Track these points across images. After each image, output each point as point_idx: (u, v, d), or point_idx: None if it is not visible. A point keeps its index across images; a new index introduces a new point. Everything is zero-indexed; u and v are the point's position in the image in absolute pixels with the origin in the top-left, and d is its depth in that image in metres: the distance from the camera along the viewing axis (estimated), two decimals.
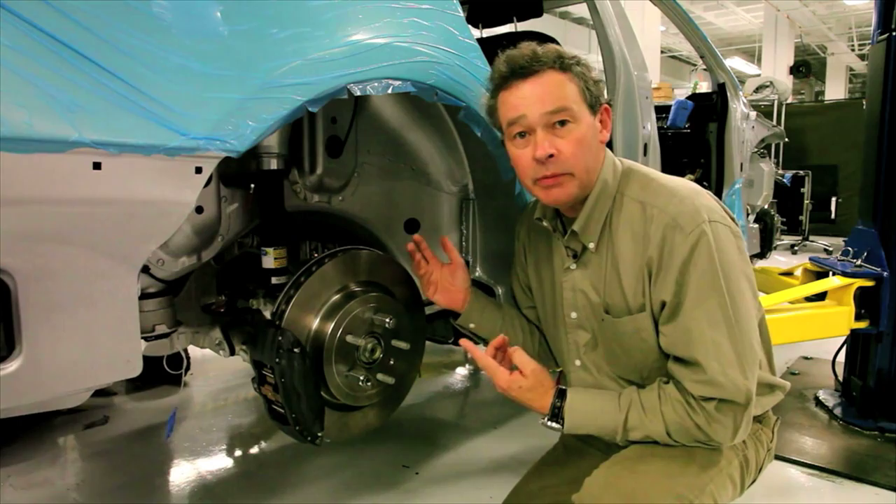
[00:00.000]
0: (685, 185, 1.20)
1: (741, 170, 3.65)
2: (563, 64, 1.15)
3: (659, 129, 2.85)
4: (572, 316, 1.30)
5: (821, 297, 2.56)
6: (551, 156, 1.13)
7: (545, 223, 1.32)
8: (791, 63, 14.42)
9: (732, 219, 1.18)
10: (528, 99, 1.14)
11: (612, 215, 1.21)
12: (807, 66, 14.50)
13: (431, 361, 3.22)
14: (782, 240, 7.22)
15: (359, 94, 1.17)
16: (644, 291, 1.17)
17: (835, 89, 17.41)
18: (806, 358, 3.27)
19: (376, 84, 1.20)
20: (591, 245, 1.23)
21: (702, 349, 1.09)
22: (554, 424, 1.18)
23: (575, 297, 1.29)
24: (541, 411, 1.20)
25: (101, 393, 2.63)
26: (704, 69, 3.77)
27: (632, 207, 1.19)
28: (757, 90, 8.66)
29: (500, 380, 1.20)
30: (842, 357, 2.67)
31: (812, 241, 7.73)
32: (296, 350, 1.29)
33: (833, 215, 7.82)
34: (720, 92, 3.56)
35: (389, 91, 1.23)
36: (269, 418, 1.40)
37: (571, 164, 1.15)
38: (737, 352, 1.09)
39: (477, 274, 1.87)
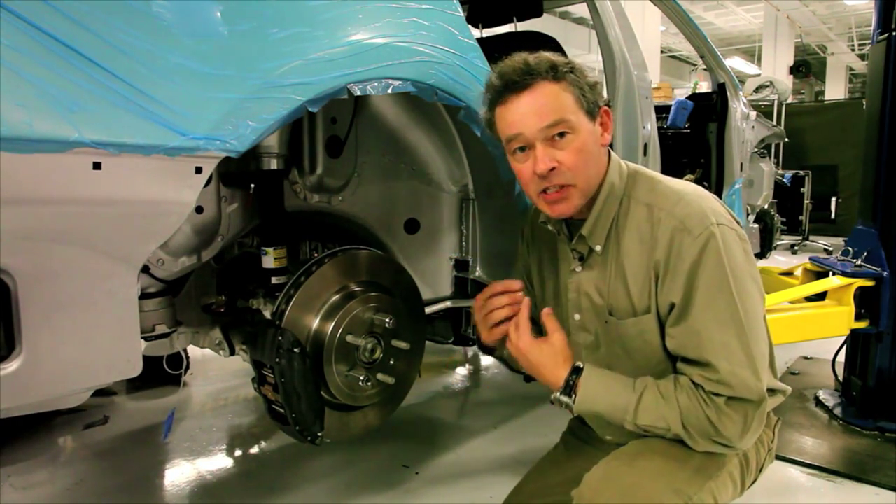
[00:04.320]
0: (691, 188, 1.20)
1: (741, 170, 3.65)
2: (557, 74, 1.13)
3: (659, 129, 2.85)
4: (575, 318, 1.30)
5: (821, 297, 2.56)
6: (552, 169, 1.13)
7: (550, 227, 1.31)
8: (791, 63, 14.41)
9: (737, 222, 1.18)
10: (525, 115, 1.13)
11: (618, 218, 1.21)
12: (807, 66, 14.47)
13: (431, 361, 3.22)
14: (782, 240, 7.21)
15: (359, 94, 1.17)
16: (650, 293, 1.16)
17: (835, 89, 17.42)
18: (806, 358, 3.27)
19: (376, 84, 1.20)
20: (598, 247, 1.23)
21: (712, 350, 1.08)
22: (565, 398, 1.16)
23: (579, 299, 1.28)
24: (553, 382, 1.18)
25: (101, 393, 2.63)
26: (704, 69, 3.77)
27: (638, 210, 1.19)
28: (757, 90, 8.65)
29: (524, 339, 1.18)
30: (842, 357, 2.67)
31: (812, 241, 7.73)
32: (296, 350, 1.29)
33: (833, 215, 7.82)
34: (720, 92, 3.57)
35: (389, 91, 1.23)
36: (269, 418, 1.40)
37: (573, 175, 1.15)
38: (747, 353, 1.08)
39: (477, 274, 1.88)
